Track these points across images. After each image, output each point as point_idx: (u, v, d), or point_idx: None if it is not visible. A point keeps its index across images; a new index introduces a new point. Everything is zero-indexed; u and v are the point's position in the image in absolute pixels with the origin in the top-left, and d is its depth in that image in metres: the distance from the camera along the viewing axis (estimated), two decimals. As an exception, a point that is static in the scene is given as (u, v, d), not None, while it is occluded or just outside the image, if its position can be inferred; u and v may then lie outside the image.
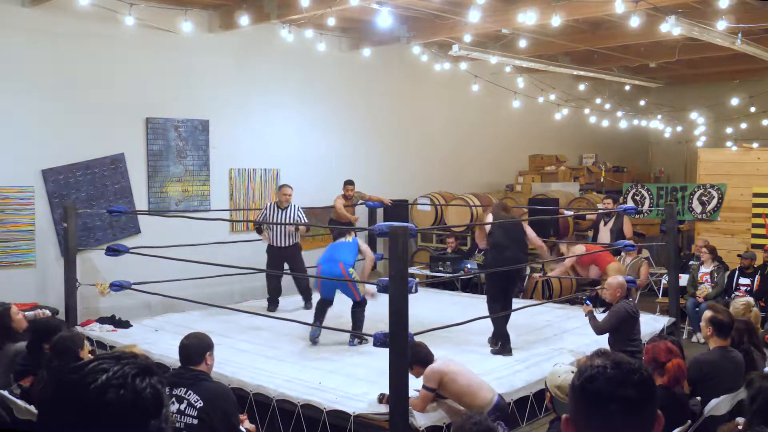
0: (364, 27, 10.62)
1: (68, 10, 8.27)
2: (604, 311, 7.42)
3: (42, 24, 8.41)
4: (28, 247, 8.48)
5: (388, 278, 5.38)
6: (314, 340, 7.68)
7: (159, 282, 8.41)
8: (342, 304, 7.89)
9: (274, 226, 9.15)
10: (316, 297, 8.15)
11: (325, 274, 7.72)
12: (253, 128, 10.52)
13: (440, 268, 10.76)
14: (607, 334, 6.80)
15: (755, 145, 11.90)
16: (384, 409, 5.47)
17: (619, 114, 13.96)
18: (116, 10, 8.24)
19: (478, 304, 9.00)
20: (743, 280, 9.77)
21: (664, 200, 12.06)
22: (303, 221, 9.26)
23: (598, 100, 13.86)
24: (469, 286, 11.45)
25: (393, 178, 12.13)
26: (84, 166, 8.89)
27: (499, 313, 7.36)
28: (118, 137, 9.17)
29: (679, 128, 14.55)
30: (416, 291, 5.43)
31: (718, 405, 4.72)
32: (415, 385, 5.54)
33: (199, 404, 4.10)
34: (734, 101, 12.51)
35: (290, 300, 9.50)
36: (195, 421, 4.08)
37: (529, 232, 7.75)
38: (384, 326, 5.47)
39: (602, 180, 15.39)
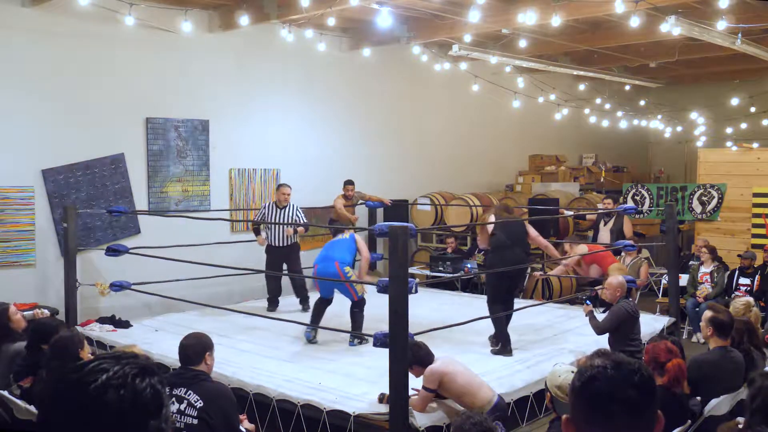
0: (364, 27, 10.62)
1: (68, 10, 8.27)
2: (604, 311, 7.42)
3: (42, 24, 8.41)
4: (28, 247, 8.48)
5: (388, 278, 5.38)
6: (310, 340, 7.65)
7: (159, 282, 8.41)
8: (342, 305, 7.88)
9: (273, 225, 9.14)
10: (315, 297, 8.10)
11: (321, 274, 7.69)
12: (253, 128, 10.52)
13: (440, 268, 10.76)
14: (607, 334, 6.80)
15: (755, 145, 11.90)
16: (384, 409, 5.47)
17: (619, 114, 13.96)
18: (116, 10, 8.24)
19: (478, 304, 9.00)
20: (743, 280, 9.77)
21: (664, 200, 12.06)
22: (302, 221, 9.26)
23: (598, 100, 13.86)
24: (469, 286, 11.45)
25: (393, 178, 12.13)
26: (84, 166, 8.89)
27: (500, 313, 7.36)
28: (118, 137, 9.17)
29: (679, 128, 14.55)
30: (416, 291, 5.43)
31: (718, 405, 4.71)
32: (415, 385, 5.54)
33: (199, 404, 4.10)
34: (734, 101, 12.51)
35: (290, 300, 9.49)
36: (195, 421, 4.08)
37: (532, 232, 7.74)
38: (384, 326, 5.46)
39: (602, 180, 15.40)
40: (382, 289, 5.45)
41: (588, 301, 7.23)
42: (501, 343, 7.32)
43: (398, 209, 11.51)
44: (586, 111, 13.73)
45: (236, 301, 9.45)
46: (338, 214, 10.08)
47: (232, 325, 8.27)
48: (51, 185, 8.62)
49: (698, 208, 11.96)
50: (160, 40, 9.25)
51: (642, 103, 15.26)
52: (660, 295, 10.51)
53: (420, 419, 5.39)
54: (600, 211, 10.99)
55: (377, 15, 8.48)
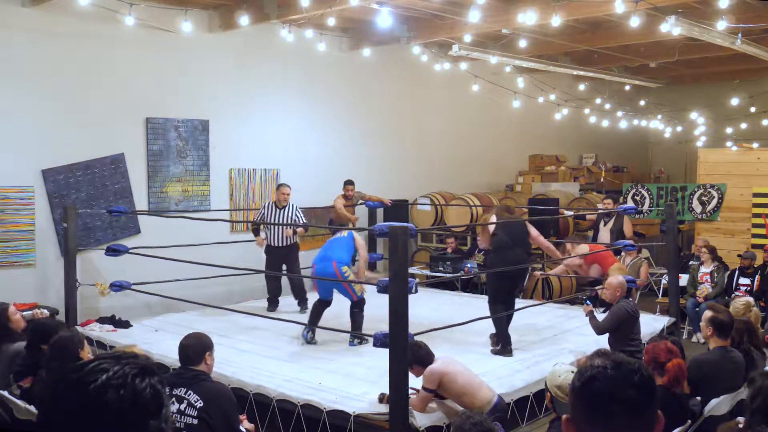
0: (364, 27, 10.62)
1: (68, 10, 8.27)
2: (604, 311, 7.42)
3: (42, 24, 8.41)
4: (28, 247, 8.48)
5: (388, 278, 5.38)
6: (308, 342, 7.61)
7: (159, 282, 8.41)
8: (342, 305, 7.88)
9: (272, 225, 9.14)
10: (313, 298, 8.08)
11: (319, 274, 7.68)
12: (253, 128, 10.52)
13: (440, 268, 10.76)
14: (607, 334, 6.80)
15: (755, 145, 11.90)
16: (384, 409, 5.47)
17: (619, 114, 13.96)
18: (116, 10, 8.24)
19: (478, 304, 9.00)
20: (743, 280, 9.77)
21: (664, 200, 12.06)
22: (301, 221, 9.25)
23: (598, 100, 13.87)
24: (469, 286, 11.45)
25: (393, 178, 12.13)
26: (84, 166, 8.89)
27: (501, 314, 7.36)
28: (118, 137, 9.17)
29: (679, 128, 14.55)
30: (416, 291, 5.43)
31: (718, 405, 4.71)
32: (414, 384, 5.54)
33: (199, 404, 4.11)
34: (734, 101, 12.51)
35: (290, 300, 9.48)
36: (195, 421, 4.08)
37: (533, 232, 7.73)
38: (384, 326, 5.47)
39: (602, 180, 15.40)
40: (382, 289, 5.45)
41: (588, 301, 7.23)
42: (501, 344, 7.32)
43: (398, 209, 11.51)
44: (586, 111, 13.73)
45: (236, 301, 9.44)
46: (337, 213, 10.08)
47: (232, 325, 8.27)
48: (51, 185, 8.62)
49: (698, 208, 11.96)
50: (160, 40, 9.25)
51: (642, 103, 15.26)
52: (660, 295, 10.51)
53: (420, 419, 5.39)
54: (600, 211, 10.99)
55: (377, 15, 8.48)
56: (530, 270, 10.11)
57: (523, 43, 10.24)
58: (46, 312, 6.71)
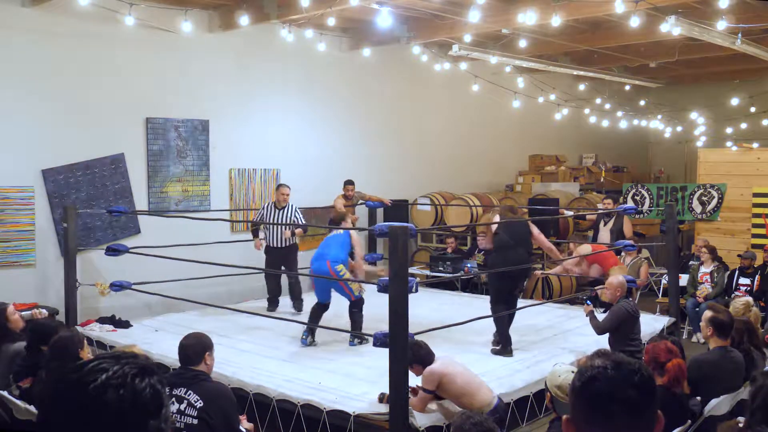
0: (364, 27, 10.62)
1: (68, 10, 8.27)
2: (604, 311, 7.42)
3: (42, 24, 8.41)
4: (28, 247, 8.48)
5: (388, 278, 5.38)
6: (307, 345, 7.58)
7: (159, 282, 8.40)
8: (341, 305, 7.88)
9: (271, 226, 9.13)
10: (312, 299, 8.05)
11: (315, 273, 7.66)
12: (253, 128, 10.51)
13: (440, 268, 10.76)
14: (607, 334, 6.80)
15: (755, 145, 11.90)
16: (384, 408, 5.47)
17: (619, 114, 13.95)
18: (116, 10, 8.24)
19: (478, 304, 9.00)
20: (743, 280, 9.77)
21: (664, 200, 12.06)
22: (300, 222, 9.23)
23: (598, 100, 13.86)
24: (469, 286, 11.45)
25: (393, 178, 12.13)
26: (84, 166, 8.89)
27: (502, 313, 7.36)
28: (118, 137, 9.17)
29: (679, 128, 14.55)
30: (416, 291, 5.43)
31: (718, 405, 4.71)
32: (414, 383, 5.53)
33: (199, 404, 4.10)
34: (734, 101, 12.51)
35: (290, 300, 9.48)
36: (195, 421, 4.08)
37: (535, 231, 7.73)
38: (384, 326, 5.47)
39: (602, 180, 15.40)
40: (382, 289, 5.45)
41: (588, 301, 7.23)
42: (501, 344, 7.32)
43: (398, 209, 11.51)
44: (586, 111, 13.73)
45: (236, 301, 9.43)
46: (336, 211, 10.07)
47: (232, 325, 8.27)
48: (51, 185, 8.62)
49: (698, 208, 11.96)
50: (160, 40, 9.25)
51: (642, 103, 15.26)
52: (660, 295, 10.51)
53: (420, 419, 5.39)
54: (600, 211, 10.99)
55: (377, 15, 8.47)
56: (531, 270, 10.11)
57: (523, 43, 10.24)
58: (45, 312, 6.69)
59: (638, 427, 1.62)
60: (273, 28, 9.76)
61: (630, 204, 12.00)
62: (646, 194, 12.66)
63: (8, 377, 5.09)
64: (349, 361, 7.02)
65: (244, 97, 10.41)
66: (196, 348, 4.33)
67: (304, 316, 8.08)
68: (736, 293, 9.28)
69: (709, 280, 9.81)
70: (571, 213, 11.45)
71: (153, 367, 1.40)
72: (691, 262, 10.75)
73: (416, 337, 5.61)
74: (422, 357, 5.47)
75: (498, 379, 6.29)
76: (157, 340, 7.58)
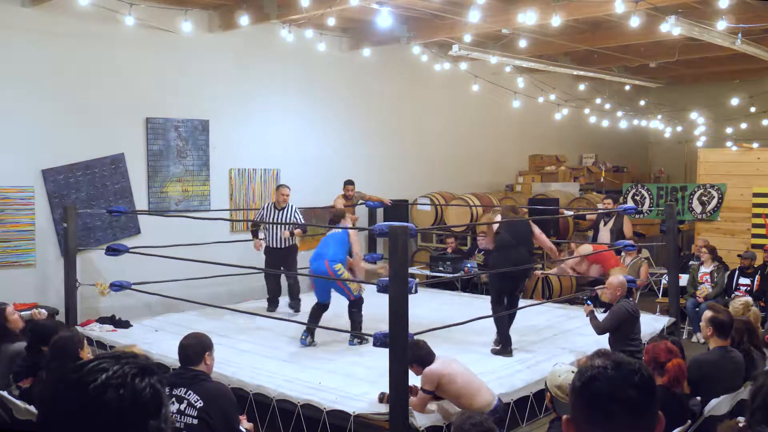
0: (364, 27, 10.62)
1: (68, 10, 8.27)
2: (604, 311, 7.41)
3: (42, 24, 8.41)
4: (28, 247, 8.48)
5: (387, 278, 5.38)
6: (306, 345, 7.58)
7: (159, 282, 8.40)
8: (341, 305, 7.88)
9: (270, 226, 9.12)
10: (311, 300, 8.05)
11: (314, 272, 7.65)
12: (253, 128, 10.51)
13: (440, 268, 10.75)
14: (607, 334, 6.80)
15: (755, 145, 11.90)
16: (384, 408, 5.46)
17: (619, 114, 13.95)
18: (116, 10, 8.24)
19: (478, 304, 9.00)
20: (743, 280, 9.77)
21: (664, 200, 12.06)
22: (299, 222, 9.21)
23: (598, 100, 13.86)
24: (469, 286, 11.45)
25: (393, 178, 12.13)
26: (84, 166, 8.89)
27: (502, 313, 7.36)
28: (118, 137, 9.17)
29: (679, 128, 14.55)
30: (416, 291, 5.43)
31: (718, 405, 4.71)
32: (414, 382, 5.53)
33: (199, 404, 4.10)
34: (734, 101, 12.51)
35: (288, 300, 9.48)
36: (195, 421, 4.08)
37: (536, 231, 7.73)
38: (384, 326, 5.46)
39: (602, 180, 15.39)
40: (382, 289, 5.45)
41: (589, 302, 7.23)
42: (502, 344, 7.32)
43: (398, 209, 11.50)
44: (586, 111, 13.73)
45: (236, 301, 9.43)
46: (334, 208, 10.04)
47: (232, 325, 8.27)
48: (51, 185, 8.62)
49: (698, 208, 11.96)
50: (160, 40, 9.25)
51: (642, 103, 15.26)
52: (660, 295, 10.51)
53: (420, 419, 5.39)
54: (600, 211, 10.98)
55: (377, 15, 8.47)
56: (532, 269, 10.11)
57: (523, 43, 10.24)
58: (44, 312, 6.69)
59: (638, 427, 1.62)
60: (273, 28, 9.76)
61: (630, 204, 12.00)
62: (646, 194, 12.66)
63: (8, 377, 5.09)
64: (349, 361, 7.02)
65: (244, 97, 10.41)
66: (196, 348, 4.33)
67: (303, 317, 8.07)
68: (736, 293, 9.28)
69: (709, 280, 9.81)
70: (571, 213, 11.45)
71: (153, 367, 1.40)
72: (691, 262, 10.75)
73: (417, 337, 5.60)
74: (422, 357, 5.47)
75: (498, 379, 6.29)
76: (157, 340, 7.58)
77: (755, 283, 9.66)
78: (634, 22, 7.84)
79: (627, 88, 15.05)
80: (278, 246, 9.17)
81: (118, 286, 8.19)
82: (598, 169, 15.73)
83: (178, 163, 9.75)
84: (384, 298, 5.39)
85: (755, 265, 9.86)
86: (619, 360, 1.67)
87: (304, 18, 9.14)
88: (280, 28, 9.59)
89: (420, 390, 5.49)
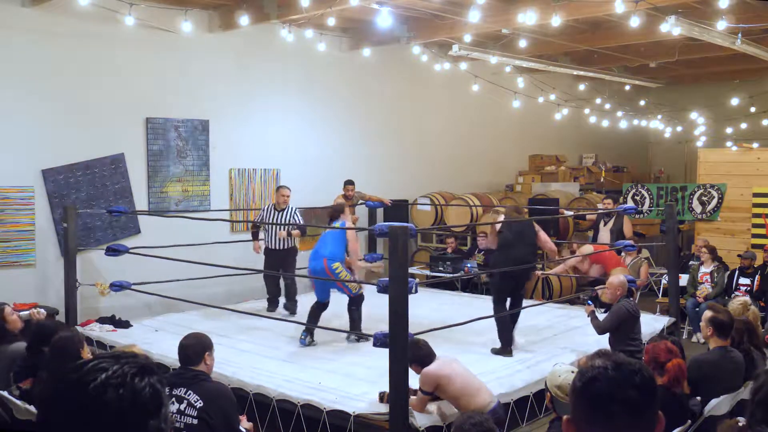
0: (364, 27, 10.62)
1: (68, 10, 8.27)
2: (605, 311, 7.42)
3: (42, 24, 8.41)
4: (28, 247, 8.48)
5: (388, 278, 5.38)
6: (306, 344, 7.57)
7: (159, 282, 8.40)
8: (340, 305, 7.88)
9: (270, 228, 9.12)
10: (309, 301, 8.04)
11: (312, 271, 7.64)
12: (253, 128, 10.51)
13: (440, 268, 10.75)
14: (607, 334, 6.81)
15: (755, 145, 11.90)
16: (384, 408, 5.46)
17: (619, 114, 13.95)
18: (116, 10, 8.24)
19: (478, 304, 9.01)
20: (743, 280, 9.77)
21: (664, 200, 12.06)
22: (299, 223, 9.19)
23: (598, 100, 13.86)
24: (469, 286, 11.45)
25: (393, 178, 12.13)
26: (84, 166, 8.89)
27: (503, 313, 7.35)
28: (118, 137, 9.17)
29: (679, 128, 14.55)
30: (416, 291, 5.43)
31: (718, 405, 4.71)
32: (414, 381, 5.53)
33: (199, 404, 4.10)
34: (734, 101, 12.50)
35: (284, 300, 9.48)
36: (195, 421, 4.08)
37: (542, 236, 7.73)
38: (384, 326, 5.46)
39: (602, 180, 15.39)
40: (382, 289, 5.45)
41: (590, 302, 7.23)
42: (502, 344, 7.32)
43: (398, 209, 11.50)
44: (586, 111, 13.73)
45: (236, 301, 9.43)
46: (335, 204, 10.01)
47: (232, 325, 8.27)
48: (51, 185, 8.62)
49: (698, 208, 11.96)
50: (160, 40, 9.25)
51: (642, 103, 15.26)
52: (660, 295, 10.51)
53: (420, 419, 5.39)
54: (600, 211, 10.98)
55: (377, 15, 8.47)
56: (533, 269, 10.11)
57: (523, 43, 10.24)
58: (43, 312, 6.68)
59: (639, 428, 1.62)
60: (273, 28, 9.76)
61: (630, 204, 12.00)
62: (646, 194, 12.66)
63: (7, 378, 5.08)
64: (349, 361, 7.02)
65: (244, 97, 10.41)
66: (195, 348, 4.33)
67: (302, 317, 8.06)
68: (736, 293, 9.28)
69: (709, 280, 9.81)
70: (571, 213, 11.45)
71: (152, 366, 1.40)
72: (691, 262, 10.75)
73: (418, 337, 5.60)
74: (421, 358, 5.46)
75: (498, 379, 6.29)
76: (157, 340, 7.58)
77: (755, 283, 9.66)
78: (634, 22, 7.84)
79: (627, 88, 15.05)
80: (277, 247, 9.16)
81: (118, 286, 8.19)
82: (598, 169, 15.73)
83: (178, 163, 9.75)
84: (384, 298, 5.39)
85: (755, 265, 9.86)
86: (620, 360, 1.67)
87: (304, 18, 9.14)
88: (280, 28, 9.59)
89: (418, 391, 5.49)
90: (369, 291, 7.06)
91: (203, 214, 9.77)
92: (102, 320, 8.38)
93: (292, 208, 9.23)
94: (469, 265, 10.66)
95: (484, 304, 7.75)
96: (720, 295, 9.51)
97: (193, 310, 8.75)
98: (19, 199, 8.38)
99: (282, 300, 9.40)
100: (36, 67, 8.42)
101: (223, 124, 10.16)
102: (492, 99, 12.38)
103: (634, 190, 12.86)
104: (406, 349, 5.27)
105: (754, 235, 11.35)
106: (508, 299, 7.59)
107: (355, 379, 6.36)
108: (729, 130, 13.54)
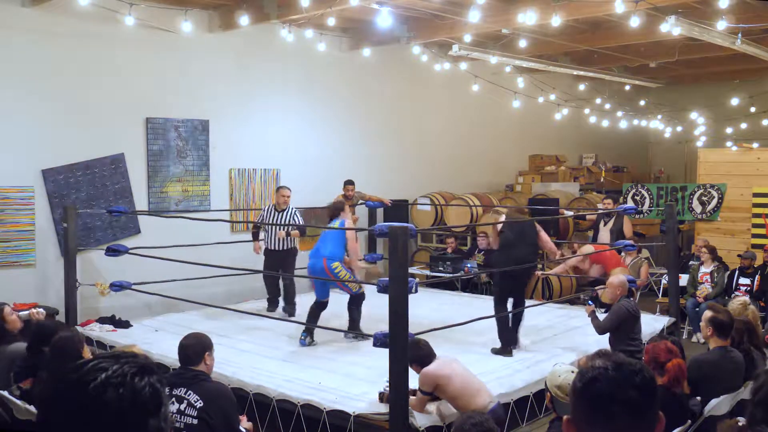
0: (364, 27, 10.62)
1: (68, 10, 8.27)
2: (605, 311, 7.42)
3: (42, 24, 8.41)
4: (28, 247, 8.48)
5: (388, 278, 5.38)
6: (306, 344, 7.57)
7: (159, 282, 8.40)
8: (340, 305, 7.88)
9: (270, 228, 9.11)
10: (308, 301, 8.03)
11: (311, 270, 7.65)
12: (253, 128, 10.51)
13: (440, 268, 10.75)
14: (607, 334, 6.81)
15: (755, 145, 11.90)
16: (384, 408, 5.46)
17: (619, 114, 13.95)
18: (116, 10, 8.24)
19: (478, 304, 9.01)
20: (743, 280, 9.77)
21: (664, 200, 12.06)
22: (298, 223, 9.19)
23: (598, 100, 13.86)
24: (469, 286, 11.45)
25: (393, 178, 12.13)
26: (84, 166, 8.89)
27: (504, 313, 7.36)
28: (118, 137, 9.17)
29: (679, 128, 14.55)
30: (416, 291, 5.43)
31: (718, 405, 4.71)
32: (414, 382, 5.53)
33: (199, 404, 4.10)
34: (734, 101, 12.50)
35: (283, 302, 9.47)
36: (195, 421, 4.08)
37: (544, 237, 7.73)
38: (384, 326, 5.46)
39: (602, 180, 15.39)
40: (382, 289, 5.45)
41: (590, 302, 7.23)
42: (502, 344, 7.31)
43: (398, 209, 11.50)
44: (586, 111, 13.73)
45: (236, 301, 9.43)
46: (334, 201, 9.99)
47: (232, 325, 8.27)
48: (51, 185, 8.62)
49: (698, 208, 11.96)
50: (160, 40, 9.25)
51: (642, 103, 15.25)
52: (660, 295, 10.51)
53: (420, 419, 5.39)
54: (600, 211, 10.98)
55: (377, 15, 8.47)
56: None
57: (523, 43, 10.24)
58: (42, 312, 6.68)
59: (639, 428, 1.62)
60: (273, 28, 9.76)
61: (630, 204, 12.00)
62: (646, 194, 12.66)
63: (7, 378, 5.08)
64: (349, 361, 7.02)
65: (244, 97, 10.41)
66: (195, 348, 4.33)
67: (302, 317, 8.05)
68: (736, 293, 9.28)
69: (709, 280, 9.81)
70: (571, 213, 11.45)
71: (152, 366, 1.40)
72: (691, 262, 10.75)
73: (418, 337, 5.60)
74: (421, 358, 5.46)
75: (498, 379, 6.29)
76: (157, 340, 7.58)
77: (755, 283, 9.66)
78: (634, 22, 7.84)
79: (627, 88, 15.05)
80: (277, 248, 9.16)
81: (118, 286, 8.19)
82: (598, 169, 15.73)
83: (178, 163, 9.75)
84: (384, 298, 5.39)
85: (755, 265, 9.86)
86: (620, 361, 1.67)
87: (304, 18, 9.14)
88: (280, 28, 9.59)
89: (418, 391, 5.49)
90: (369, 291, 7.06)
91: (203, 214, 9.76)
92: (102, 320, 8.38)
93: (292, 209, 9.22)
94: (469, 265, 10.66)
95: (485, 304, 7.75)
96: (720, 295, 9.51)
97: (193, 310, 8.76)
98: (19, 199, 8.39)
99: (281, 300, 9.38)
100: (36, 67, 8.42)
101: (223, 124, 10.16)
102: (492, 99, 12.37)
103: (634, 190, 12.86)
104: (406, 349, 5.27)
105: (754, 235, 11.35)
106: (510, 299, 7.59)
107: (355, 379, 6.36)
108: (729, 130, 13.53)
